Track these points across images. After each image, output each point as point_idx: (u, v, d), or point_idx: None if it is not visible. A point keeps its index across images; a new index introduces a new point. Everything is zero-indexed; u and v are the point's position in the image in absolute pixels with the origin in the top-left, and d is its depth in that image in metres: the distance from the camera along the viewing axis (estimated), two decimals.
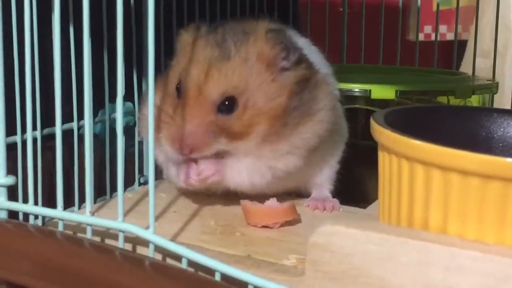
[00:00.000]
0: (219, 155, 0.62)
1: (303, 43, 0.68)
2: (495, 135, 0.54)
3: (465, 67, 1.33)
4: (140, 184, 0.77)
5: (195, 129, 0.59)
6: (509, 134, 0.53)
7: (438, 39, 1.08)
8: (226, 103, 0.60)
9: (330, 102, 0.65)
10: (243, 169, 0.62)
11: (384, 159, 0.48)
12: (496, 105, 0.99)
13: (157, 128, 0.60)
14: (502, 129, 0.54)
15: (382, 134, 0.48)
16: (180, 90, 0.61)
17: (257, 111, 0.60)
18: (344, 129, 0.72)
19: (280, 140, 0.61)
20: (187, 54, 0.62)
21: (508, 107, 1.00)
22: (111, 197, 0.72)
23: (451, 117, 0.55)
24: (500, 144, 0.53)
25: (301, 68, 0.62)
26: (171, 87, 0.62)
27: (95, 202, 0.69)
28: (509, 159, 0.41)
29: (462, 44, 1.47)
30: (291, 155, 0.62)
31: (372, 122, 0.49)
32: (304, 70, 0.63)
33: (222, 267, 0.49)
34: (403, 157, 0.46)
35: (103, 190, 0.72)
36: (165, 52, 0.73)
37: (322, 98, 0.64)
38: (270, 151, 0.61)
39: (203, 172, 0.62)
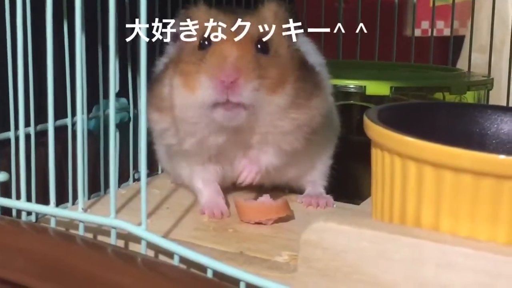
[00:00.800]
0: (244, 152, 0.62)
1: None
2: (488, 132, 0.53)
3: (463, 63, 1.33)
4: (134, 180, 0.76)
5: (241, 54, 0.56)
6: (502, 131, 0.53)
7: (436, 34, 1.07)
8: (262, 42, 0.59)
9: (327, 82, 0.67)
10: (270, 150, 0.63)
11: (377, 156, 0.48)
12: (493, 101, 0.98)
13: (187, 82, 0.58)
14: (495, 126, 0.53)
15: (375, 130, 0.47)
16: (206, 43, 0.59)
17: (285, 60, 0.60)
18: (336, 123, 0.72)
19: (299, 110, 0.61)
20: (202, 22, 0.60)
21: (504, 103, 0.99)
22: (105, 193, 0.72)
23: (445, 114, 0.55)
24: (494, 141, 0.53)
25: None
26: (188, 51, 0.60)
27: (89, 198, 0.69)
28: (501, 156, 0.41)
29: (460, 40, 1.46)
30: (301, 131, 0.62)
31: (365, 118, 0.49)
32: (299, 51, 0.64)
33: (214, 263, 0.49)
34: (396, 154, 0.45)
35: (98, 186, 0.72)
36: (160, 47, 0.73)
37: (323, 74, 0.65)
38: (291, 121, 0.61)
39: (249, 176, 0.63)
